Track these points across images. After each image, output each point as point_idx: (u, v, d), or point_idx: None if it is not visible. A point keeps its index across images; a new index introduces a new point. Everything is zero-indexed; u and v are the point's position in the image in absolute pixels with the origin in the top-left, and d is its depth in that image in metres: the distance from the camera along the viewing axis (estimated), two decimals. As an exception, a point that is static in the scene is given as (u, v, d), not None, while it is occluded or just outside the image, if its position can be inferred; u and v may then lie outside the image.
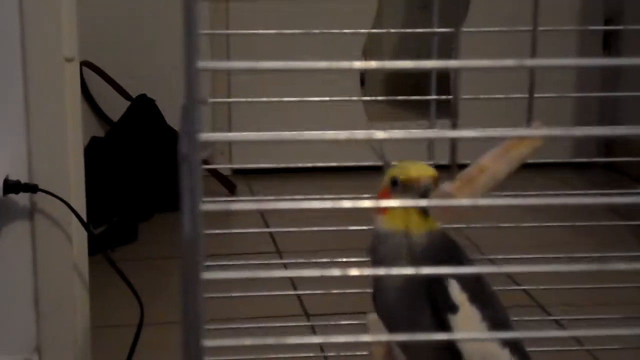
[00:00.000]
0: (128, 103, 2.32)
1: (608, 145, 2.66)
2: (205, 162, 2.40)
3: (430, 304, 0.74)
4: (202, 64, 0.47)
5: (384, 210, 0.77)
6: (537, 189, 2.10)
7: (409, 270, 0.50)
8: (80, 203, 1.30)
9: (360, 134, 0.43)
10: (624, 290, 1.45)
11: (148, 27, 2.50)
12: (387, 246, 0.76)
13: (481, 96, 1.07)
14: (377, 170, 1.12)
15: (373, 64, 0.43)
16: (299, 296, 1.69)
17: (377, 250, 0.77)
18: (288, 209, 0.43)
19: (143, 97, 2.29)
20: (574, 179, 2.48)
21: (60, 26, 1.22)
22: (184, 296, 0.43)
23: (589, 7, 2.66)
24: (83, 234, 1.31)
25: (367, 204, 0.49)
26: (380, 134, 0.45)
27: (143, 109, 2.28)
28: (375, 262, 0.77)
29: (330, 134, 0.46)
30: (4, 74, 1.21)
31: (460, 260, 0.77)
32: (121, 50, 2.46)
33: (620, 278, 1.62)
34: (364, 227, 1.01)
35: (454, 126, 0.61)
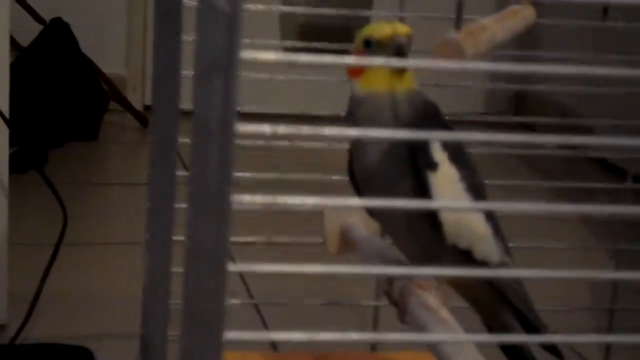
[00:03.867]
0: (40, 27, 2.24)
1: (519, 99, 2.71)
2: (118, 96, 2.34)
3: (410, 161, 0.73)
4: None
5: (359, 72, 0.75)
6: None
7: (385, 133, 0.49)
8: (4, 105, 1.25)
9: None
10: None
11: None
12: (367, 108, 0.75)
13: None
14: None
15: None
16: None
17: (356, 113, 0.76)
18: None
19: (57, 21, 2.21)
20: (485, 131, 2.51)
21: None
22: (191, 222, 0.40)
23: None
24: (5, 142, 1.26)
25: (349, 60, 0.47)
26: None
27: (57, 33, 2.20)
28: (354, 126, 0.75)
29: None
30: None
31: (441, 121, 0.76)
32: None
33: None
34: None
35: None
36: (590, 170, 2.14)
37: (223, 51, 0.43)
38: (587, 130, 2.32)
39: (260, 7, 1.10)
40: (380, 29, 0.75)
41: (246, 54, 0.42)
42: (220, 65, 0.43)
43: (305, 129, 0.46)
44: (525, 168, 2.17)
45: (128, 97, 2.44)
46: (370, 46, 0.75)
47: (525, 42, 2.58)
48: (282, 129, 0.46)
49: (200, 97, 0.43)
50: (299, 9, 2.31)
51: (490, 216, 0.76)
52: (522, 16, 0.74)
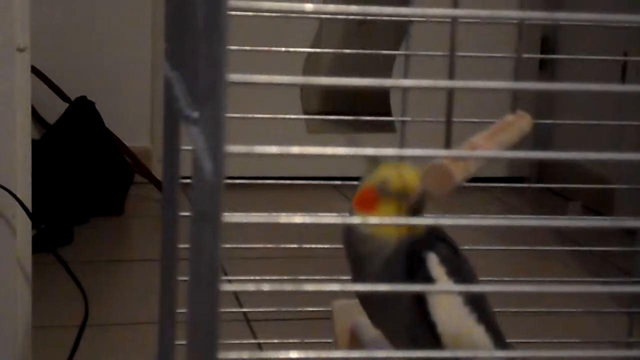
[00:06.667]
0: (66, 105, 2.28)
1: (541, 163, 2.70)
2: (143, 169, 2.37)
3: (408, 278, 0.74)
4: (235, 76, 0.43)
5: (370, 208, 0.75)
6: (476, 208, 2.10)
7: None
8: (26, 196, 1.26)
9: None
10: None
11: (89, 27, 2.46)
12: (372, 245, 0.75)
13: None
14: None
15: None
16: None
17: (357, 249, 0.76)
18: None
19: (82, 99, 2.25)
20: (508, 196, 2.51)
21: (12, 14, 1.19)
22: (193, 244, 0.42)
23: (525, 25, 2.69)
24: (27, 228, 1.28)
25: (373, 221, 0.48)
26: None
27: (82, 111, 2.24)
28: (354, 258, 0.76)
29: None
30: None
31: (440, 236, 0.77)
32: (60, 50, 2.42)
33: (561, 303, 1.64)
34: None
35: (449, 118, 0.61)
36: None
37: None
38: (610, 195, 2.31)
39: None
40: (400, 177, 0.74)
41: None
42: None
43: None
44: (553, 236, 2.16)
45: (152, 169, 2.46)
46: (386, 191, 0.75)
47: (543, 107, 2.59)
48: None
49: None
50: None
51: (490, 326, 0.77)
52: (517, 127, 0.72)
